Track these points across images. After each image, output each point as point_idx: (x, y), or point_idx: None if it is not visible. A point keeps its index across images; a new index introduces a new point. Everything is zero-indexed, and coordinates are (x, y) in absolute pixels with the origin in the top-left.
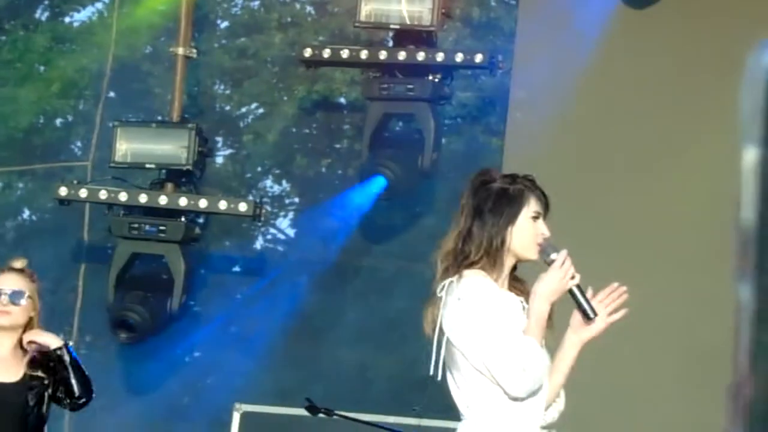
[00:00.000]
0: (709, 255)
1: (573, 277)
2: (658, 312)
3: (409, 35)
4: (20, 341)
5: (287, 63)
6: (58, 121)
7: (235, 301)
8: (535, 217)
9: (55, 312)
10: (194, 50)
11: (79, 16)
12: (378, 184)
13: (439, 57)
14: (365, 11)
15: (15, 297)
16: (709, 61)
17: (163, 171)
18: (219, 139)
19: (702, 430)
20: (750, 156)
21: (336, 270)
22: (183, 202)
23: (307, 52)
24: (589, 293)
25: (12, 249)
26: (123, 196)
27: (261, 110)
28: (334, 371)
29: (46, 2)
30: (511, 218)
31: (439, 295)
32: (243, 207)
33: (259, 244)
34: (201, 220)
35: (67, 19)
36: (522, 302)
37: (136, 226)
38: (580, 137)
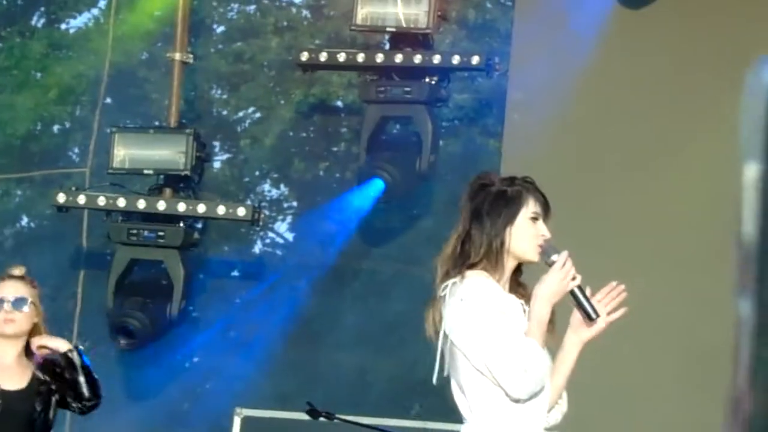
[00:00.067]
0: (708, 254)
1: (574, 278)
2: (658, 312)
3: (405, 38)
4: (24, 349)
5: (284, 67)
6: (56, 128)
7: (234, 305)
8: (535, 218)
9: (55, 319)
10: (191, 55)
11: (75, 23)
12: (376, 187)
13: (436, 59)
14: (361, 14)
15: (18, 304)
16: (705, 61)
17: (161, 176)
18: (216, 143)
19: (702, 430)
20: (750, 171)
21: (335, 273)
22: (181, 207)
23: (304, 56)
24: (587, 292)
25: (11, 256)
26: (121, 202)
27: (258, 114)
28: (334, 375)
29: (42, 9)
30: (510, 219)
31: (441, 296)
32: (241, 212)
33: (257, 248)
34: (199, 225)
35: (63, 26)
36: (523, 305)
37: (134, 232)
38: (578, 138)
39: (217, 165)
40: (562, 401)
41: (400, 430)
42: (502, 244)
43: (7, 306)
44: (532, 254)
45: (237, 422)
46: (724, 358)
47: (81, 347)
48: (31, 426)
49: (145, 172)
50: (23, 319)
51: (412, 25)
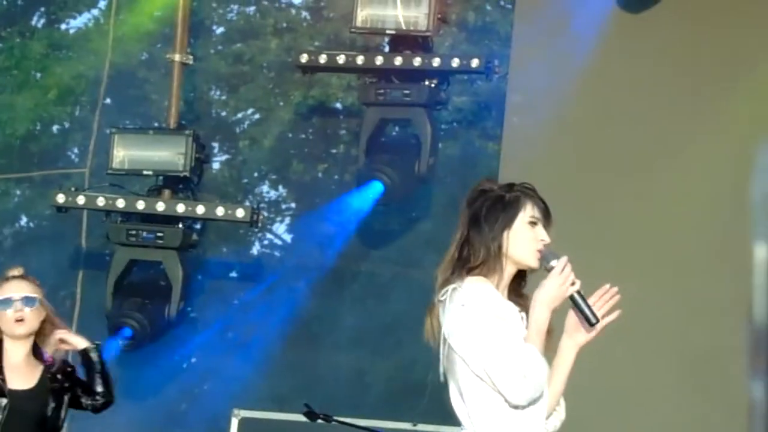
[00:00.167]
0: (706, 257)
1: (573, 284)
2: (655, 315)
3: (405, 40)
4: (33, 348)
5: (283, 68)
6: (55, 128)
7: (232, 306)
8: (533, 223)
9: None
10: (190, 56)
11: (75, 23)
12: (375, 189)
13: (436, 62)
14: (361, 16)
15: (27, 302)
16: (704, 64)
17: (161, 177)
18: (215, 144)
19: None
20: (762, 253)
21: (333, 275)
22: (180, 208)
23: (304, 58)
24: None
25: (10, 256)
26: (120, 203)
27: (257, 116)
28: (332, 376)
29: (42, 9)
30: (507, 222)
31: (440, 300)
32: (240, 213)
33: (256, 249)
34: (198, 226)
35: (63, 26)
36: (520, 312)
37: (133, 232)
38: (577, 141)
39: (216, 166)
40: (561, 408)
41: None
42: (500, 248)
43: (17, 305)
44: (530, 259)
45: (234, 423)
46: (719, 362)
47: (100, 344)
48: (40, 425)
49: (145, 173)
50: (33, 317)
51: (411, 28)
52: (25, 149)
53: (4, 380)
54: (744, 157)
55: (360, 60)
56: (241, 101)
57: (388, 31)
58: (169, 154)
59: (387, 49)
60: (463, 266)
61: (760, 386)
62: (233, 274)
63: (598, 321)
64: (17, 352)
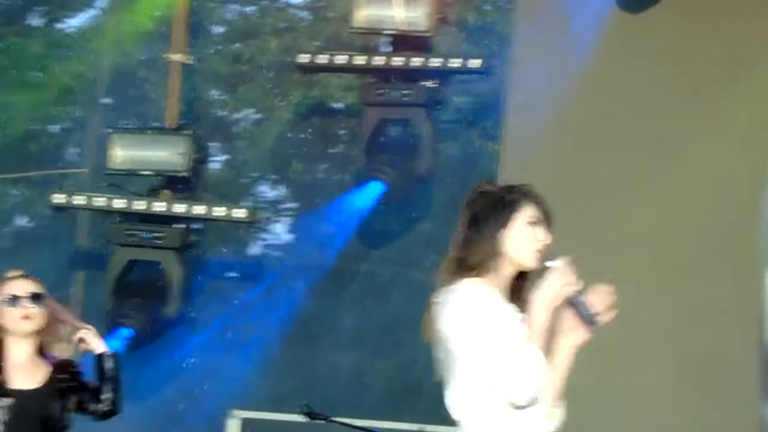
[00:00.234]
0: (708, 257)
1: (573, 284)
2: (655, 315)
3: (404, 40)
4: (39, 347)
5: (282, 68)
6: (54, 128)
7: (231, 307)
8: (533, 223)
9: None
10: (190, 56)
11: (73, 23)
12: (374, 189)
13: (435, 62)
14: (361, 17)
15: (34, 299)
16: (704, 64)
17: (160, 177)
18: (214, 144)
19: None
20: None
21: (333, 275)
22: (180, 208)
23: (304, 58)
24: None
25: (8, 256)
26: (120, 203)
27: (257, 116)
28: (331, 376)
29: (41, 9)
30: (506, 222)
31: (438, 302)
32: (240, 213)
33: (255, 249)
34: (197, 227)
35: (62, 26)
36: (520, 313)
37: (132, 233)
38: (577, 141)
39: (215, 166)
40: (559, 409)
41: None
42: (498, 247)
43: (25, 302)
44: (529, 259)
45: (234, 424)
46: (719, 362)
47: (118, 353)
48: (45, 426)
49: (144, 173)
50: (39, 315)
51: (411, 28)
52: (24, 149)
53: (6, 380)
54: (744, 157)
55: (360, 60)
56: (241, 101)
57: (387, 32)
58: (168, 154)
59: (387, 49)
60: (462, 267)
61: None
62: (232, 274)
63: (597, 322)
64: (22, 351)
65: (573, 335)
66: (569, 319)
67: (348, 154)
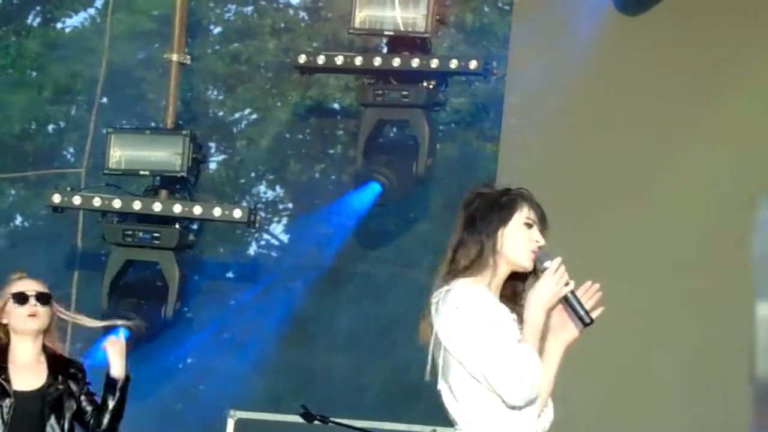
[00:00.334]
0: (707, 258)
1: (567, 284)
2: (655, 315)
3: (403, 41)
4: (44, 347)
5: (281, 68)
6: (51, 128)
7: (228, 307)
8: (529, 225)
9: None
10: (188, 56)
11: (71, 22)
12: (372, 190)
13: (434, 63)
14: (359, 18)
15: (41, 298)
16: (702, 66)
17: (157, 178)
18: (212, 144)
19: None
20: (763, 310)
21: (330, 276)
22: (177, 209)
23: (302, 59)
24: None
25: (5, 256)
26: (117, 203)
27: (254, 116)
28: (328, 377)
29: (38, 8)
30: (503, 221)
31: (433, 303)
32: (237, 214)
33: (252, 250)
34: (195, 227)
35: (59, 25)
36: (513, 314)
37: (130, 233)
38: (575, 142)
39: (213, 166)
40: (549, 409)
41: None
42: (494, 245)
43: (32, 300)
44: (524, 259)
45: (231, 424)
46: (719, 362)
47: (131, 379)
48: (46, 427)
49: (141, 173)
50: (45, 314)
51: (410, 29)
52: (21, 148)
53: (8, 380)
54: (743, 158)
55: (358, 61)
56: (239, 101)
57: (386, 32)
58: (166, 154)
59: (385, 50)
60: (458, 267)
61: None
62: (230, 275)
63: (592, 321)
64: (26, 351)
65: (563, 334)
66: (559, 318)
67: (346, 154)
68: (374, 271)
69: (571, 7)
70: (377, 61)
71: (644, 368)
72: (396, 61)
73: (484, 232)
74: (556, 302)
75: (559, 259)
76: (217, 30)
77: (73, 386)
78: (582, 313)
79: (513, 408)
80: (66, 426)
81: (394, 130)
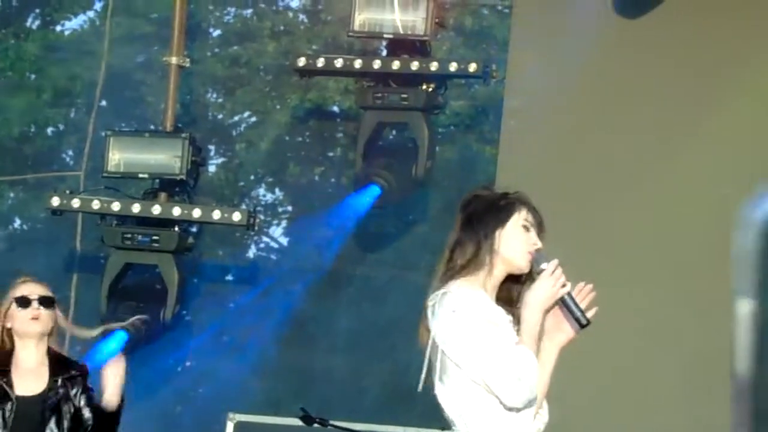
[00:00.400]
0: (707, 259)
1: (564, 285)
2: (655, 316)
3: (402, 44)
4: (48, 350)
5: (280, 71)
6: (50, 131)
7: (228, 310)
8: (526, 227)
9: None
10: (187, 59)
11: (70, 25)
12: (372, 192)
13: (433, 66)
14: (359, 20)
15: (44, 302)
16: (702, 69)
17: (157, 181)
18: (211, 147)
19: None
20: (743, 308)
21: (329, 278)
22: (176, 211)
23: (302, 62)
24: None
25: (4, 259)
26: (116, 206)
27: (254, 119)
28: (328, 380)
29: (37, 11)
30: (500, 222)
31: (429, 306)
32: (237, 216)
33: (252, 252)
34: (194, 230)
35: (58, 28)
36: (508, 316)
37: (129, 236)
38: (574, 145)
39: (212, 169)
40: (543, 411)
41: None
42: (491, 245)
43: (34, 303)
44: (521, 260)
45: (230, 427)
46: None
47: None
48: (44, 431)
49: (140, 175)
50: (47, 318)
51: (409, 32)
52: (20, 151)
53: (10, 384)
54: (744, 160)
55: (357, 64)
56: (238, 104)
57: (385, 35)
58: (165, 157)
59: (385, 53)
60: (454, 267)
61: None
62: (229, 278)
63: (589, 323)
64: (30, 355)
65: (558, 336)
66: (553, 319)
67: (345, 157)
68: (373, 274)
69: (571, 10)
70: (377, 64)
71: (645, 369)
72: (395, 64)
73: (481, 232)
74: (552, 304)
75: (556, 261)
76: (216, 33)
77: (74, 389)
78: (578, 314)
79: (511, 410)
80: (66, 429)
81: (394, 132)
